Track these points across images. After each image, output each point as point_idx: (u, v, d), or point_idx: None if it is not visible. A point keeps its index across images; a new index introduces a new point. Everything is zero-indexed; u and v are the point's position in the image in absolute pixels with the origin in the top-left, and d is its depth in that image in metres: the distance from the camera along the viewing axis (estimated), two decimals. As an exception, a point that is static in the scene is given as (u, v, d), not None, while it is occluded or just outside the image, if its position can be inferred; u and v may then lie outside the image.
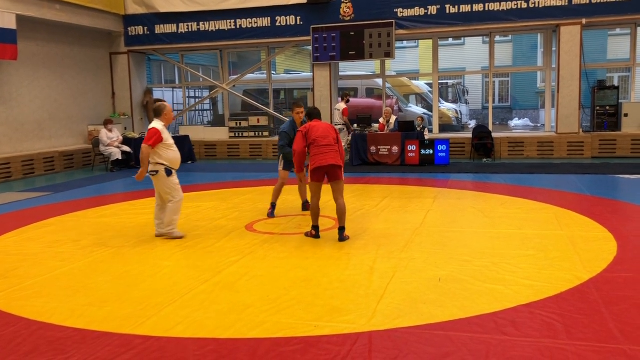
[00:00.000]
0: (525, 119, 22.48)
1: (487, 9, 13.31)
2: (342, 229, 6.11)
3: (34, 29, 13.27)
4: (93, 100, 15.34)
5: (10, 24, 11.90)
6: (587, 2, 12.76)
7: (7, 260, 5.69)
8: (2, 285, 4.90)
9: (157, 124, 6.30)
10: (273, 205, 7.54)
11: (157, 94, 18.24)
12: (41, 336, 3.77)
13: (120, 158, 13.26)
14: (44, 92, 13.71)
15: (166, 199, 6.38)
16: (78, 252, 5.97)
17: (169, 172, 6.29)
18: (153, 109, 6.51)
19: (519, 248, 5.59)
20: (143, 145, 6.14)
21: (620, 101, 13.91)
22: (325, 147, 6.06)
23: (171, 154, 6.32)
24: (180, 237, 6.36)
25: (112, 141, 13.32)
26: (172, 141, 6.38)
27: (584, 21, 12.87)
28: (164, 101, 18.31)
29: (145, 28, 15.68)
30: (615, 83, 19.91)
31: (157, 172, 6.26)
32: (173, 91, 19.97)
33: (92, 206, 8.61)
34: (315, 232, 6.26)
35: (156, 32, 15.61)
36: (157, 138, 6.16)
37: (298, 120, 7.34)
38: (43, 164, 13.10)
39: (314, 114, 6.58)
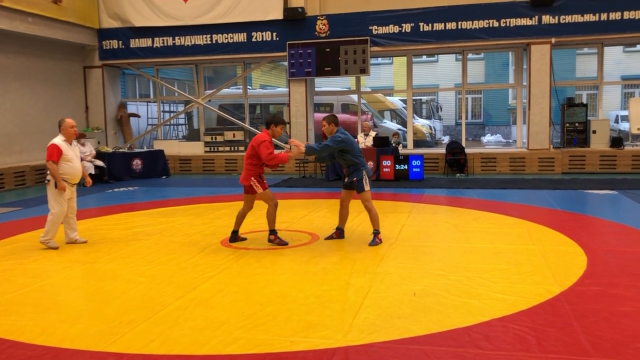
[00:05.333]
0: (498, 135, 22.89)
1: (460, 27, 13.59)
2: (271, 232, 6.66)
3: (5, 41, 13.08)
4: (66, 114, 14.94)
5: (-19, 36, 11.76)
6: (556, 22, 13.14)
7: (-25, 277, 5.55)
8: (-30, 302, 4.78)
9: (57, 139, 6.72)
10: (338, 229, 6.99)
11: (131, 108, 18.08)
12: (11, 355, 3.68)
13: (93, 172, 13.08)
14: (14, 106, 13.48)
15: (50, 208, 6.68)
16: (50, 268, 5.86)
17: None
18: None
19: (492, 262, 5.66)
20: (48, 163, 6.58)
21: (588, 118, 14.28)
22: (245, 165, 6.66)
23: (66, 168, 6.68)
24: (55, 248, 6.63)
25: (84, 155, 13.13)
26: (71, 155, 6.75)
27: (553, 40, 13.23)
28: (138, 115, 18.16)
29: (120, 42, 15.58)
30: (584, 100, 20.44)
31: (49, 181, 6.66)
32: (148, 105, 19.81)
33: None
34: (231, 236, 6.79)
35: (131, 46, 15.52)
36: (57, 153, 6.59)
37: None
38: (13, 179, 12.85)
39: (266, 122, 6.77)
